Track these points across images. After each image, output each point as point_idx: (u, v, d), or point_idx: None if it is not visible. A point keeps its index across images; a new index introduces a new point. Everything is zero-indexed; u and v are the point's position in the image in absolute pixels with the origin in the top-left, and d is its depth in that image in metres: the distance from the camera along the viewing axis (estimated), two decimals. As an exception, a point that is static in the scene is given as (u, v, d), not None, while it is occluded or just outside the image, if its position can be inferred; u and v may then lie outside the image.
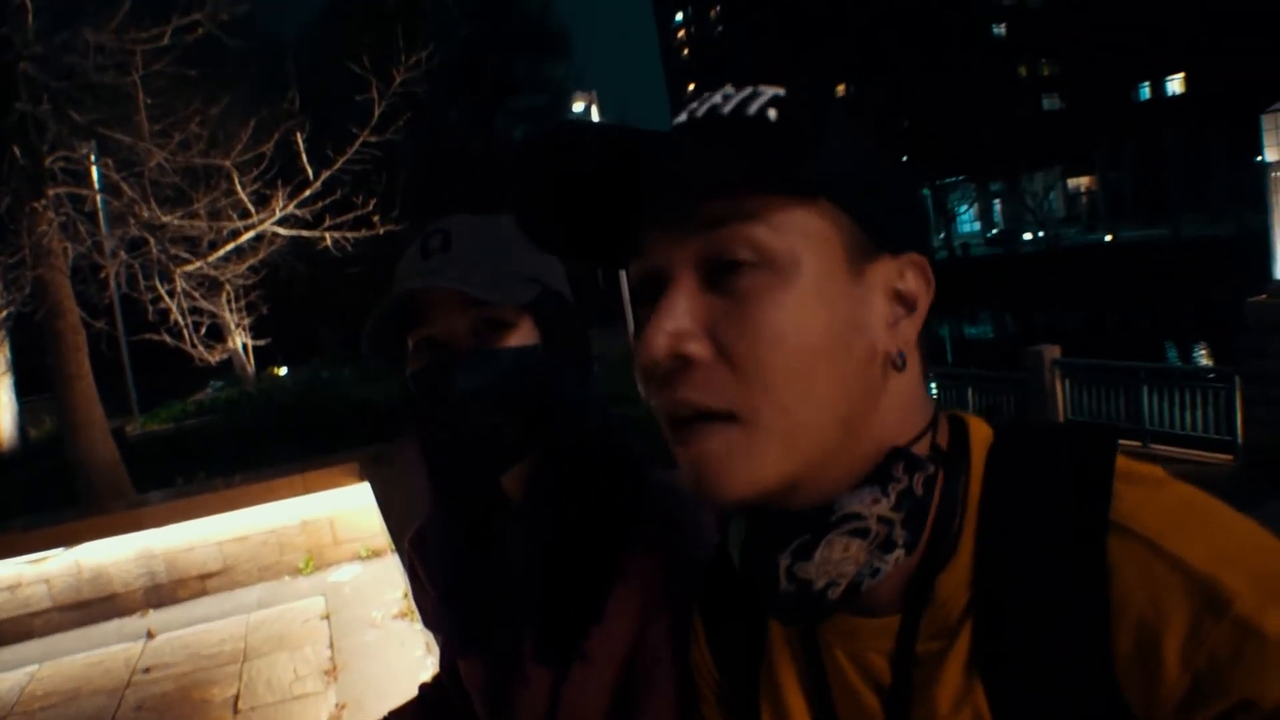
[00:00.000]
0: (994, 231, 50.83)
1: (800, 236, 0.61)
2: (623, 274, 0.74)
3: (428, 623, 1.29)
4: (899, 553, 0.64)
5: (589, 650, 0.98)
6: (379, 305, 0.98)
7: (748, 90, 0.65)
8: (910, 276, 0.66)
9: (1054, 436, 0.67)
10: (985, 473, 0.67)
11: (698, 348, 0.61)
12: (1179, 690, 0.55)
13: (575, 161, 0.63)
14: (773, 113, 0.63)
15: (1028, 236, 45.47)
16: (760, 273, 0.60)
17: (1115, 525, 0.59)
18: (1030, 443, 0.68)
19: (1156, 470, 0.63)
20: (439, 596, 1.14)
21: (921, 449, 0.66)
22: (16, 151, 7.10)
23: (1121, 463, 0.63)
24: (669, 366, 0.62)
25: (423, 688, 1.38)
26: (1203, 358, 19.06)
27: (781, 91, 0.64)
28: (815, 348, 0.60)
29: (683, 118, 0.67)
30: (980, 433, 0.70)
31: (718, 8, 78.71)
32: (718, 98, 0.65)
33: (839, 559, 0.64)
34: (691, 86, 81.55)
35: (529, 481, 1.06)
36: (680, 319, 0.61)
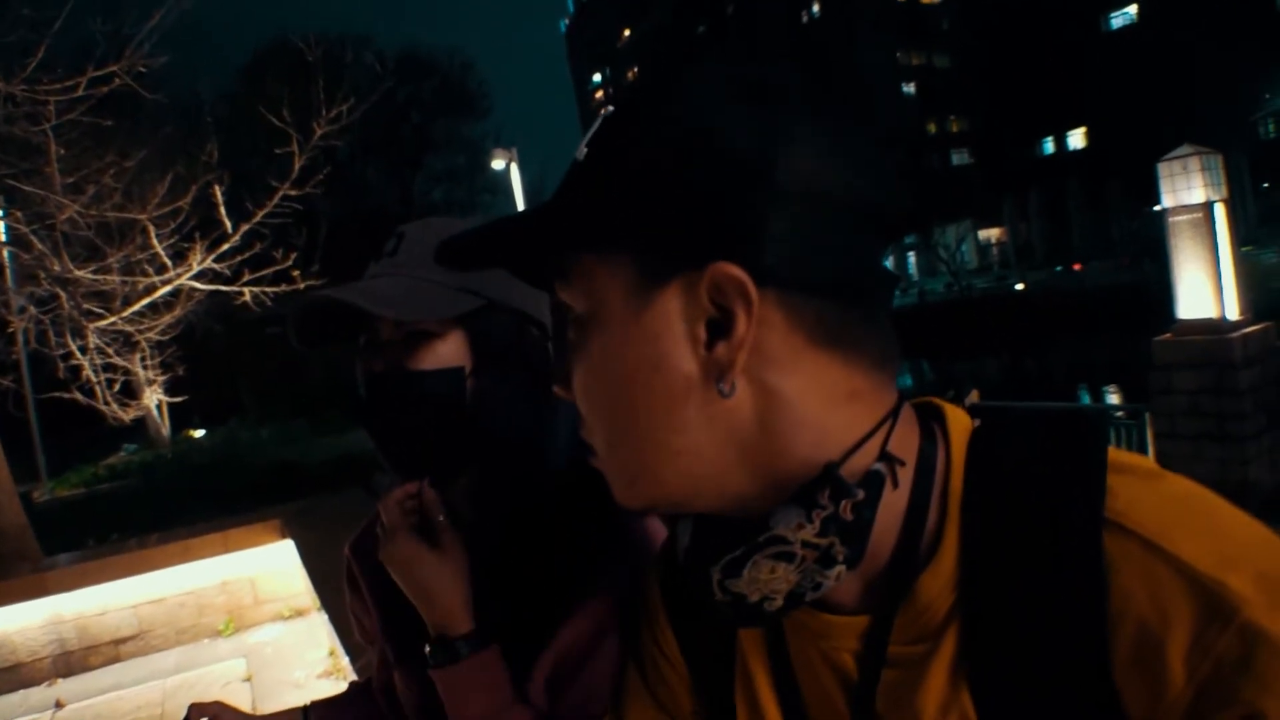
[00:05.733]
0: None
1: (588, 283, 0.64)
2: None
3: (363, 635, 1.25)
4: (840, 568, 0.60)
5: (531, 675, 0.97)
6: (299, 301, 0.98)
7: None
8: (708, 293, 0.58)
9: (1040, 425, 0.64)
10: (966, 467, 0.63)
11: (562, 391, 0.69)
12: (1184, 701, 0.52)
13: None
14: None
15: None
16: (578, 321, 0.66)
17: (1110, 522, 0.56)
18: (1014, 433, 0.65)
19: (1147, 461, 0.60)
20: (377, 606, 1.12)
21: (865, 458, 0.61)
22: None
23: (1111, 453, 0.60)
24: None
25: (352, 685, 1.34)
26: (1112, 397, 19.67)
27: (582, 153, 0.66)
28: (619, 389, 0.62)
29: None
30: (960, 424, 0.66)
31: (635, 69, 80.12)
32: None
33: (766, 579, 0.61)
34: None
35: (472, 499, 1.05)
36: (559, 364, 0.72)
